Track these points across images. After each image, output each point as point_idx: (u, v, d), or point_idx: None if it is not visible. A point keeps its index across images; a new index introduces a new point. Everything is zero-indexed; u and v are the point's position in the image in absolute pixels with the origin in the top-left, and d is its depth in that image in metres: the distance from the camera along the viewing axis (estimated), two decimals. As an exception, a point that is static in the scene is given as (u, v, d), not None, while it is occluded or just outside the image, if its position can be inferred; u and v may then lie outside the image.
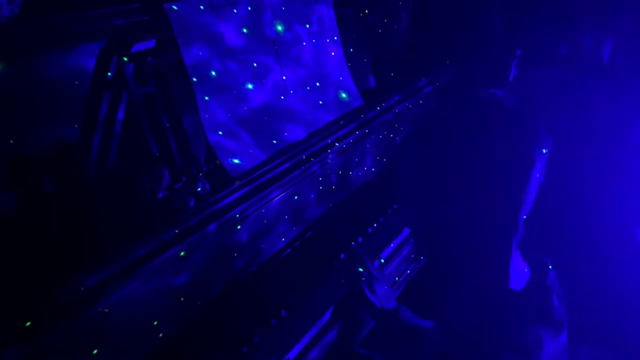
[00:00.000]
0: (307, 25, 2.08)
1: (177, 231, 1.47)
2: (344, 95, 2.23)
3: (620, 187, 3.10)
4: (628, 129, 3.17)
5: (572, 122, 3.11)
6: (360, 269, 1.86)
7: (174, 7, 1.59)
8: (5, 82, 1.26)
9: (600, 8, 3.02)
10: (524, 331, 1.13)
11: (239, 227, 1.72)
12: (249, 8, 1.83)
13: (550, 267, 1.26)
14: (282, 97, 1.95)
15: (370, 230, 2.17)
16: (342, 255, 2.00)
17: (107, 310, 1.31)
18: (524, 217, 1.14)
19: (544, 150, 1.09)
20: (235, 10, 1.78)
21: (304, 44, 2.06)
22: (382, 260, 2.01)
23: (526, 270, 1.23)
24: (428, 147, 1.14)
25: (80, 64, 1.43)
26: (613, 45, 3.07)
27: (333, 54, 2.21)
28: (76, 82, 1.42)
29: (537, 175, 1.10)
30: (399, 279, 2.20)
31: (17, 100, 1.31)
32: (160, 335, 1.48)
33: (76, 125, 1.43)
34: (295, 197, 1.96)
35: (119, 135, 1.49)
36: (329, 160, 2.07)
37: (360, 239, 2.10)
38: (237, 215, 1.70)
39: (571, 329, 1.25)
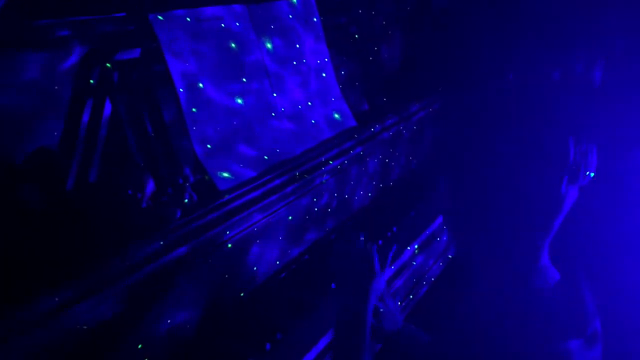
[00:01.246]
0: (297, 46, 2.07)
1: (162, 243, 1.38)
2: (336, 115, 2.19)
3: (621, 211, 3.03)
4: (626, 153, 3.13)
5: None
6: None
7: (159, 18, 1.57)
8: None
9: (590, 33, 3.04)
10: (551, 343, 1.01)
11: (229, 245, 1.64)
12: (237, 24, 1.81)
13: (581, 275, 1.16)
14: (273, 114, 1.91)
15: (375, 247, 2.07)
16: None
17: (84, 327, 1.21)
18: (557, 218, 1.05)
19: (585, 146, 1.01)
20: (222, 25, 1.76)
21: (294, 63, 2.04)
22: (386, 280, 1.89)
23: (554, 276, 1.11)
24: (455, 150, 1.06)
25: (63, 70, 1.38)
26: (604, 69, 3.08)
27: (324, 75, 2.19)
28: (57, 88, 1.37)
29: (571, 177, 1.00)
30: (401, 303, 2.08)
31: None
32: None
33: (57, 133, 1.37)
34: (290, 217, 1.88)
35: (103, 144, 1.43)
36: (324, 179, 2.01)
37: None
38: (227, 232, 1.61)
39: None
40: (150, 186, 1.41)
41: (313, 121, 2.08)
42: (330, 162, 2.01)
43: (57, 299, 1.15)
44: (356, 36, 2.49)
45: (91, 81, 1.43)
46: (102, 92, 1.44)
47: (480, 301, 1.12)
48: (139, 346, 1.37)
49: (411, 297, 2.14)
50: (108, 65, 1.43)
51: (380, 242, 2.07)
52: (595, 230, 2.97)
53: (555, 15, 3.04)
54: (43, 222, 1.30)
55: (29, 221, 1.28)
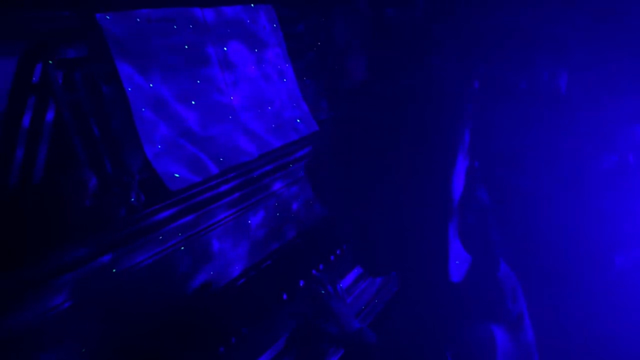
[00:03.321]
0: (255, 50, 2.06)
1: (104, 242, 1.34)
2: (298, 120, 2.17)
3: (589, 217, 3.03)
4: (593, 161, 3.15)
5: (536, 156, 3.09)
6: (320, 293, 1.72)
7: (107, 17, 1.55)
8: None
9: (553, 42, 3.09)
10: (470, 326, 0.99)
11: (182, 247, 1.60)
12: (190, 26, 1.81)
13: (500, 259, 1.14)
14: (230, 117, 1.89)
15: (332, 257, 2.04)
16: (301, 283, 1.86)
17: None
18: (457, 202, 1.03)
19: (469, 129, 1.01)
20: (174, 27, 1.75)
21: (253, 67, 2.04)
22: (341, 286, 1.85)
23: (468, 260, 1.10)
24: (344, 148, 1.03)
25: (4, 67, 1.35)
26: (568, 78, 3.12)
27: (285, 80, 2.18)
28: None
29: (464, 157, 1.00)
30: (365, 307, 2.04)
31: None
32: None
33: (-4, 130, 1.34)
34: (249, 221, 1.85)
35: (45, 141, 1.39)
36: (283, 184, 1.98)
37: (321, 266, 1.97)
38: (180, 234, 1.58)
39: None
40: (93, 184, 1.38)
41: (274, 125, 2.06)
42: (291, 165, 1.99)
43: None
44: (318, 44, 2.49)
45: (33, 78, 1.40)
46: (45, 90, 1.41)
47: (402, 298, 1.13)
48: (83, 350, 1.33)
49: (376, 301, 2.10)
50: (51, 62, 1.40)
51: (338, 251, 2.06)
52: (558, 235, 2.98)
53: (518, 26, 3.09)
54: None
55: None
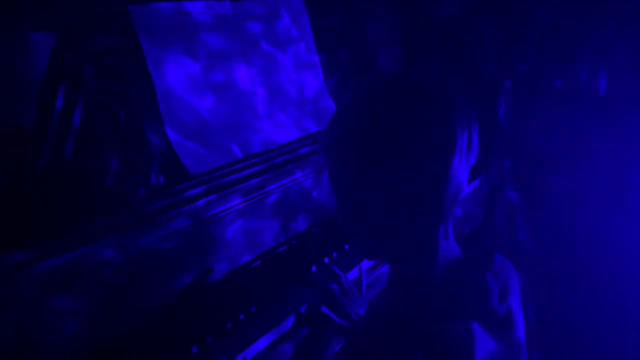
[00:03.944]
0: (282, 42, 2.13)
1: (124, 220, 1.45)
2: (321, 113, 2.23)
3: (631, 221, 2.96)
4: (629, 169, 3.06)
5: (571, 156, 3.03)
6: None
7: (138, 9, 1.65)
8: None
9: (594, 40, 3.01)
10: (448, 325, 1.02)
11: (198, 228, 1.69)
12: (218, 18, 1.89)
13: (496, 258, 1.16)
14: (253, 106, 1.97)
15: (347, 247, 2.09)
16: (314, 268, 1.92)
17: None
18: (452, 203, 1.06)
19: (467, 131, 1.02)
20: (202, 18, 1.83)
21: (278, 58, 2.10)
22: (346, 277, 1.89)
23: (459, 260, 1.12)
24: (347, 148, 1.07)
25: (38, 55, 1.47)
26: (609, 78, 3.04)
27: (310, 73, 2.24)
28: (33, 73, 1.46)
29: (461, 158, 1.02)
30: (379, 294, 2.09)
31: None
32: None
33: (32, 113, 1.46)
34: (266, 207, 1.93)
35: (74, 124, 1.51)
36: (303, 173, 2.04)
37: (335, 254, 2.03)
38: (197, 215, 1.67)
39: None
40: (115, 164, 1.48)
41: (295, 116, 2.13)
42: (310, 156, 2.05)
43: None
44: (349, 38, 2.54)
45: (67, 66, 1.51)
46: (76, 77, 1.52)
47: (387, 292, 1.16)
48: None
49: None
50: (84, 51, 1.51)
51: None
52: (594, 239, 2.92)
53: (557, 24, 3.03)
54: (11, 194, 1.38)
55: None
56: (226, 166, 1.79)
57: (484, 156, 2.89)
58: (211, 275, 1.74)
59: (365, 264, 2.06)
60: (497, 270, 1.10)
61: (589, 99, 3.05)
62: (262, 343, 1.63)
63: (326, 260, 1.97)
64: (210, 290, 1.71)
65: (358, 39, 2.63)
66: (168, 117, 1.68)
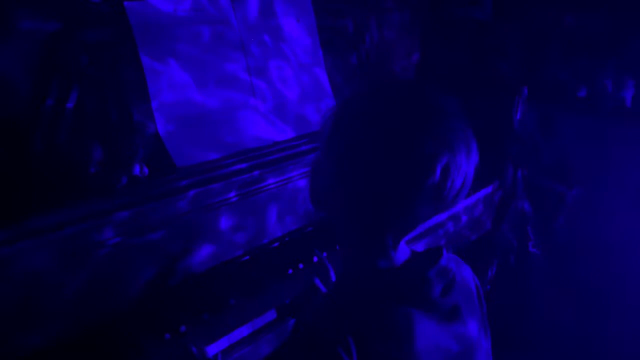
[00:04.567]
0: (284, 41, 2.15)
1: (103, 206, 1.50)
2: (325, 112, 2.23)
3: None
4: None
5: (591, 167, 2.93)
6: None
7: (134, 4, 1.70)
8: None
9: (622, 49, 2.90)
10: (386, 308, 1.04)
11: (185, 218, 1.73)
12: (218, 15, 1.92)
13: (446, 253, 1.17)
14: (249, 103, 2.00)
15: (338, 247, 2.10)
16: (301, 265, 1.94)
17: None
18: (406, 227, 1.08)
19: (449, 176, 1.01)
20: (201, 15, 1.87)
21: (280, 57, 2.12)
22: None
23: (407, 258, 1.15)
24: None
25: (34, 45, 1.54)
26: (636, 88, 2.92)
27: (314, 74, 2.25)
28: (29, 62, 1.53)
29: (424, 197, 1.01)
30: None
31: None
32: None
33: (23, 101, 1.52)
34: (260, 202, 1.95)
35: (64, 112, 1.57)
36: (299, 172, 2.06)
37: (325, 254, 2.03)
38: (182, 208, 1.70)
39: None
40: (98, 153, 1.53)
41: (295, 115, 2.14)
42: (307, 155, 2.06)
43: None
44: (364, 40, 2.53)
45: (60, 56, 1.57)
46: (69, 69, 1.58)
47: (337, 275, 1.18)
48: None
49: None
50: (78, 43, 1.57)
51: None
52: (615, 254, 2.82)
53: (584, 31, 2.94)
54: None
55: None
56: (216, 161, 1.82)
57: (497, 163, 2.85)
58: (193, 267, 1.77)
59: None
60: (442, 267, 1.12)
61: (613, 109, 2.94)
62: (236, 335, 1.66)
63: (315, 259, 1.98)
64: (191, 281, 1.75)
65: (371, 40, 2.62)
66: (159, 110, 1.73)
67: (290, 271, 1.90)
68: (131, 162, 1.57)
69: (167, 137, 1.73)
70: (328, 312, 1.07)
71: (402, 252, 1.12)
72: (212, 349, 1.60)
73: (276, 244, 2.06)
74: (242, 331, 1.65)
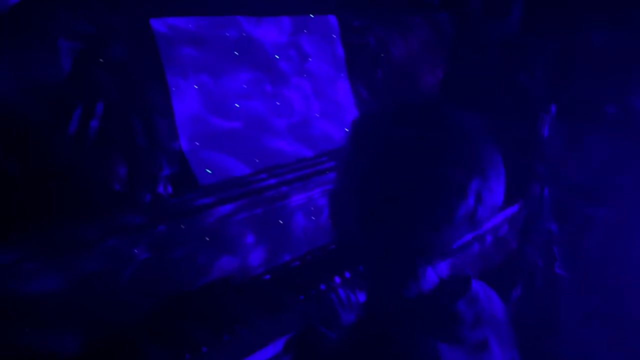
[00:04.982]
0: (308, 59, 2.14)
1: (127, 223, 1.50)
2: (347, 130, 2.21)
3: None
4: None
5: (621, 191, 2.85)
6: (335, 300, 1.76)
7: (160, 22, 1.71)
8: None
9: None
10: (414, 342, 1.00)
11: (207, 238, 1.72)
12: (243, 34, 1.93)
13: (474, 282, 1.13)
14: (272, 122, 1.99)
15: (362, 268, 2.06)
16: (322, 287, 1.91)
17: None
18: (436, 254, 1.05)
19: (484, 179, 0.98)
20: (227, 34, 1.88)
21: (305, 75, 2.11)
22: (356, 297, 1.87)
23: (436, 287, 1.11)
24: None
25: (59, 59, 1.55)
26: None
27: (338, 90, 2.24)
28: (54, 76, 1.54)
29: (467, 207, 0.98)
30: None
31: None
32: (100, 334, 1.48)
33: (47, 115, 1.54)
34: (279, 220, 1.93)
35: (89, 129, 1.57)
36: (319, 189, 2.04)
37: (347, 275, 2.01)
38: (201, 226, 1.70)
39: None
40: (123, 170, 1.53)
41: (319, 132, 2.13)
42: (327, 173, 2.04)
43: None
44: (382, 55, 2.51)
45: (86, 72, 1.58)
46: (95, 86, 1.59)
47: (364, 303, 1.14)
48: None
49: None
50: (102, 60, 1.58)
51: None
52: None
53: (612, 47, 2.88)
54: (22, 190, 1.46)
55: (9, 188, 1.44)
56: (238, 179, 1.81)
57: (523, 181, 2.79)
58: (215, 284, 1.76)
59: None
60: (472, 298, 1.08)
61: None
62: (257, 358, 1.64)
63: (337, 279, 1.96)
64: (213, 300, 1.74)
65: (395, 56, 2.60)
66: (183, 127, 1.73)
67: (314, 292, 1.87)
68: (155, 179, 1.56)
69: (190, 155, 1.73)
70: (352, 344, 1.04)
71: (430, 279, 1.08)
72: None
73: (297, 262, 2.04)
74: (264, 353, 1.62)
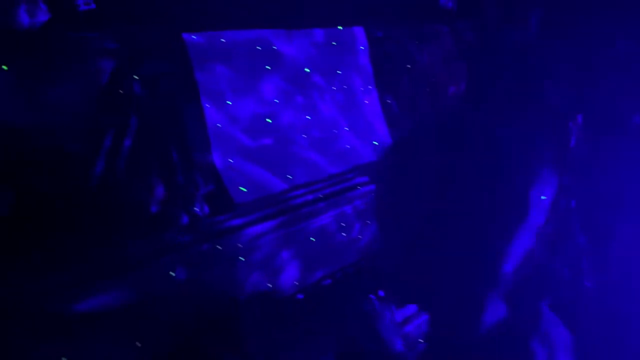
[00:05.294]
0: (339, 72, 2.10)
1: (164, 245, 1.45)
2: (375, 143, 2.18)
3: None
4: None
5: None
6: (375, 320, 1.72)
7: (194, 37, 1.67)
8: (13, 87, 1.35)
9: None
10: None
11: (241, 258, 1.67)
12: (274, 47, 1.88)
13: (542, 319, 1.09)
14: (305, 136, 1.94)
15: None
16: (360, 305, 1.86)
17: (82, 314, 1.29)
18: (512, 268, 0.99)
19: (543, 197, 0.94)
20: (258, 47, 1.83)
21: (334, 88, 2.07)
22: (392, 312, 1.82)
23: (504, 321, 1.06)
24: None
25: (95, 79, 1.51)
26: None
27: (367, 102, 2.19)
28: (89, 94, 1.50)
29: (533, 225, 0.93)
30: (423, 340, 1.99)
31: (29, 103, 1.39)
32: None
33: (83, 135, 1.49)
34: (312, 239, 1.89)
35: (124, 148, 1.53)
36: (352, 205, 1.99)
37: (381, 293, 1.96)
38: (238, 244, 1.65)
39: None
40: (160, 191, 1.49)
41: (348, 146, 2.08)
42: (359, 187, 2.00)
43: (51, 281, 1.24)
44: (408, 66, 2.47)
45: (121, 90, 1.54)
46: (129, 102, 1.54)
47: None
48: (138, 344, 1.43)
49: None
50: (137, 77, 1.54)
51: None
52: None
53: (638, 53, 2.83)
54: (57, 213, 1.41)
55: (44, 212, 1.39)
56: (272, 197, 1.76)
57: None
58: (249, 303, 1.71)
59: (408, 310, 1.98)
60: (544, 332, 1.04)
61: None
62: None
63: (372, 297, 1.91)
64: (248, 320, 1.69)
65: (422, 65, 2.56)
66: (217, 145, 1.68)
67: (351, 308, 1.82)
68: (192, 200, 1.52)
69: (225, 172, 1.68)
70: None
71: (500, 310, 1.04)
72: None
73: (329, 280, 1.99)
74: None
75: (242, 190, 1.70)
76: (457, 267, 0.98)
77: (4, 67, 1.32)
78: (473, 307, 1.01)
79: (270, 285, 1.77)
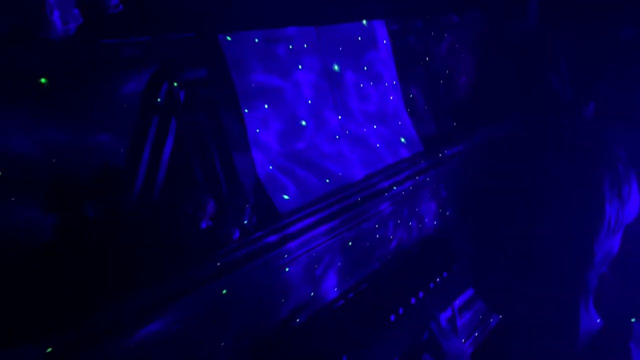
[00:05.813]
0: (365, 68, 2.03)
1: (219, 264, 1.36)
2: (402, 140, 2.12)
3: None
4: None
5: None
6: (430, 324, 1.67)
7: (228, 38, 1.57)
8: (50, 101, 1.24)
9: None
10: None
11: (287, 269, 1.60)
12: (305, 45, 1.80)
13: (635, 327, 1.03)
14: (337, 137, 1.87)
15: (432, 285, 1.97)
16: (401, 310, 1.81)
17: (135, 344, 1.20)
18: (599, 270, 0.93)
19: (626, 187, 0.88)
20: (290, 47, 1.75)
21: (361, 85, 2.00)
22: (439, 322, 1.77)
23: (600, 330, 0.99)
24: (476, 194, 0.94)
25: (131, 88, 1.40)
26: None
27: (391, 98, 2.13)
28: (125, 106, 1.39)
29: (613, 219, 0.87)
30: (465, 341, 1.97)
31: (64, 122, 1.28)
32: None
33: (123, 150, 1.39)
34: (350, 243, 1.83)
35: (166, 162, 1.43)
36: (386, 206, 1.94)
37: (420, 294, 1.91)
38: (286, 256, 1.58)
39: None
40: (211, 206, 1.40)
41: (378, 145, 2.02)
42: (394, 187, 1.95)
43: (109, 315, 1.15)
44: (426, 59, 2.42)
45: (158, 100, 1.44)
46: (168, 111, 1.45)
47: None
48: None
49: (476, 334, 2.02)
50: (175, 84, 1.44)
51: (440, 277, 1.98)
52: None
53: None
54: (104, 235, 1.31)
55: (90, 234, 1.30)
56: (315, 202, 1.69)
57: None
58: (301, 315, 1.64)
59: (458, 302, 1.95)
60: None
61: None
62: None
63: (413, 300, 1.86)
64: (300, 334, 1.62)
65: (438, 59, 2.51)
66: (258, 154, 1.60)
67: (393, 317, 1.77)
68: (241, 212, 1.43)
69: (267, 181, 1.60)
70: None
71: (594, 319, 0.98)
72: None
73: (364, 285, 1.94)
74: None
75: (285, 199, 1.62)
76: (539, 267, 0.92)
77: (42, 81, 1.20)
78: (562, 313, 0.96)
79: (314, 295, 1.71)
